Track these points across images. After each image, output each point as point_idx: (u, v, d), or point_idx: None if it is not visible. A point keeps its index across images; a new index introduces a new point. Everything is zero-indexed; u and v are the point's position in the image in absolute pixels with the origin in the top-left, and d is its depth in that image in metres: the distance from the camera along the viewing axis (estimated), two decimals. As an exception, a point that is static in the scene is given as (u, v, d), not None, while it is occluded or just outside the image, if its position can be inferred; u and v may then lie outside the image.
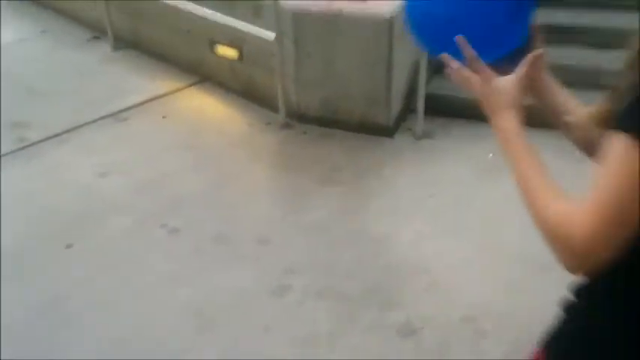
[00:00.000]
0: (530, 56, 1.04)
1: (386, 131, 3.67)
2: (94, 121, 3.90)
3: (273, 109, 3.89)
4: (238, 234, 2.89)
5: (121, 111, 4.02)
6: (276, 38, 3.55)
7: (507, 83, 1.04)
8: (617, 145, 0.82)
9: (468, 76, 1.06)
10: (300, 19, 3.55)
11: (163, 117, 3.98)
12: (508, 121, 1.03)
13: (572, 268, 0.89)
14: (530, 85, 1.08)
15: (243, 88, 4.21)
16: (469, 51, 1.03)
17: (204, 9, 4.02)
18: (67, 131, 3.78)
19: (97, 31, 5.22)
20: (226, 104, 4.16)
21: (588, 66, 3.86)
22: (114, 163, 3.47)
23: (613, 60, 3.76)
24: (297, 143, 3.69)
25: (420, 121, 3.65)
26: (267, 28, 3.61)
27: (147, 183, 3.28)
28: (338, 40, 3.55)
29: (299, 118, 3.88)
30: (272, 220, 3.00)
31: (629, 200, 0.81)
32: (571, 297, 1.03)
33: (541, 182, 0.94)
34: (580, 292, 1.01)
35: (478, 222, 2.96)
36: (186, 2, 4.12)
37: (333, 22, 3.50)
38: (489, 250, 2.76)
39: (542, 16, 1.66)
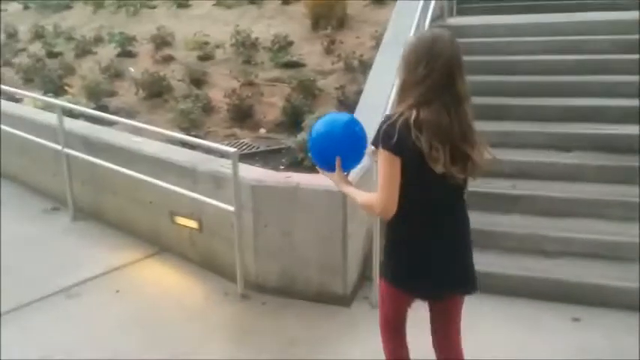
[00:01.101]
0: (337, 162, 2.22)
1: (343, 300, 3.67)
2: (43, 298, 3.78)
3: (232, 279, 3.88)
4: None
5: (72, 286, 3.93)
6: (235, 210, 3.66)
7: (337, 174, 2.24)
8: (379, 151, 2.00)
9: (327, 175, 2.30)
10: (259, 191, 3.71)
11: (117, 291, 3.89)
12: (344, 187, 2.24)
13: (381, 216, 2.10)
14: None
15: (202, 258, 4.22)
16: (337, 167, 2.23)
17: (164, 183, 4.17)
18: (11, 311, 3.63)
19: (57, 202, 5.30)
20: (184, 275, 4.14)
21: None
22: (59, 344, 3.30)
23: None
24: (254, 315, 3.63)
25: (375, 289, 3.68)
26: (227, 200, 3.74)
27: (93, 366, 3.12)
28: (295, 212, 3.69)
29: (257, 288, 3.87)
30: (225, 404, 2.84)
31: (391, 176, 1.99)
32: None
33: (362, 200, 2.14)
34: (387, 226, 2.20)
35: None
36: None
37: (290, 195, 3.67)
38: None
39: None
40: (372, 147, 2.10)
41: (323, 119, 2.28)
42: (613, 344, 3.26)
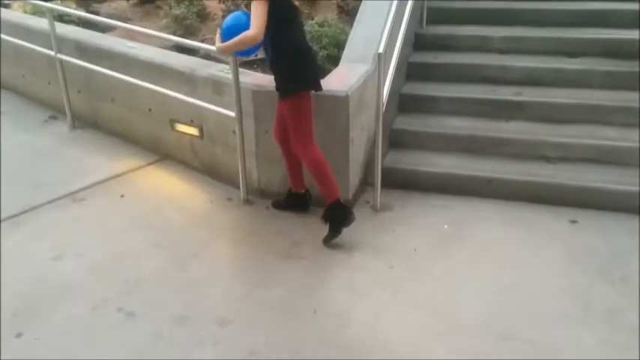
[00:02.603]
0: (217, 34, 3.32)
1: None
2: (50, 202, 3.84)
3: (235, 185, 3.92)
4: (198, 315, 2.81)
5: (78, 191, 3.97)
6: (236, 116, 3.63)
7: (217, 38, 3.30)
8: (253, 3, 2.95)
9: (216, 38, 3.31)
10: (260, 97, 3.65)
11: (122, 196, 3.93)
12: (219, 47, 3.24)
13: (253, 41, 3.01)
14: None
15: (204, 165, 4.23)
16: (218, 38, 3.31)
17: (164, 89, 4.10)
18: (21, 213, 3.70)
19: (54, 111, 5.23)
20: (187, 181, 4.17)
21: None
22: (69, 245, 3.38)
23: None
24: (258, 219, 3.69)
25: (377, 194, 3.73)
26: (227, 106, 3.69)
27: (103, 265, 3.20)
28: (296, 118, 3.65)
29: (260, 193, 3.91)
30: (233, 300, 2.94)
31: (259, 14, 2.94)
32: (268, 61, 3.32)
33: (237, 42, 3.09)
34: (271, 56, 3.24)
35: (437, 292, 2.99)
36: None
37: (291, 100, 3.61)
38: (449, 319, 2.77)
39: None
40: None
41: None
42: (610, 245, 3.35)
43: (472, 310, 2.83)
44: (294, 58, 3.19)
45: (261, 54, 3.75)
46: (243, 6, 5.63)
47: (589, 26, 4.84)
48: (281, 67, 3.23)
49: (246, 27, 3.04)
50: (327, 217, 3.35)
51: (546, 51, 4.71)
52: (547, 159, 3.98)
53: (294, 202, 3.70)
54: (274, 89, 3.37)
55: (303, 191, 3.68)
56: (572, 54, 4.65)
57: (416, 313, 2.83)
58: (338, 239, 3.37)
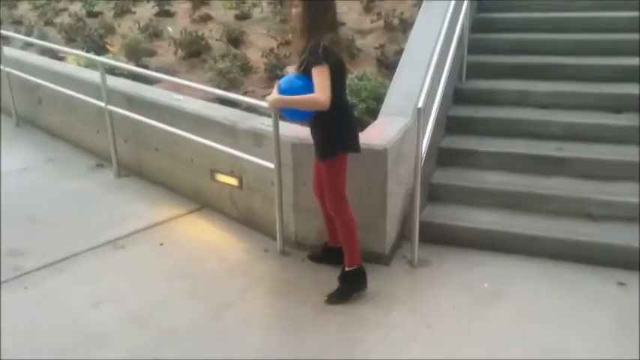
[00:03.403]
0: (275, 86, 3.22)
1: (381, 259, 3.68)
2: (91, 249, 3.92)
3: (272, 236, 3.93)
4: (232, 369, 2.79)
5: (118, 238, 4.06)
6: (275, 167, 3.68)
7: (275, 92, 3.18)
8: (315, 68, 2.93)
9: (273, 91, 3.19)
10: (299, 149, 3.70)
11: (161, 244, 4.00)
12: (277, 99, 3.15)
13: (323, 105, 2.94)
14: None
15: (242, 215, 4.28)
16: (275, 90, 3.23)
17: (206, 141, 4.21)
18: (63, 259, 3.79)
19: (102, 159, 5.43)
20: (225, 231, 4.21)
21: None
22: (108, 292, 3.43)
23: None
24: (294, 271, 3.68)
25: (414, 249, 3.68)
26: (266, 158, 3.76)
27: (140, 313, 3.22)
28: (334, 170, 3.67)
29: (297, 245, 3.91)
30: (267, 351, 2.90)
31: (326, 80, 2.92)
32: (311, 121, 3.25)
33: (301, 100, 3.04)
34: (315, 116, 3.17)
35: (476, 352, 2.88)
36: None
37: (329, 153, 3.64)
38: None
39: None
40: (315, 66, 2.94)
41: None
42: (660, 309, 3.19)
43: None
44: (337, 120, 3.15)
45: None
46: (284, 57, 5.81)
47: (633, 82, 4.78)
48: (324, 128, 3.19)
49: (302, 91, 3.00)
50: (344, 280, 3.36)
51: (589, 106, 4.66)
52: (592, 217, 3.87)
53: (330, 255, 3.68)
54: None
55: (339, 245, 3.66)
56: (616, 109, 4.58)
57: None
58: (373, 294, 3.31)
